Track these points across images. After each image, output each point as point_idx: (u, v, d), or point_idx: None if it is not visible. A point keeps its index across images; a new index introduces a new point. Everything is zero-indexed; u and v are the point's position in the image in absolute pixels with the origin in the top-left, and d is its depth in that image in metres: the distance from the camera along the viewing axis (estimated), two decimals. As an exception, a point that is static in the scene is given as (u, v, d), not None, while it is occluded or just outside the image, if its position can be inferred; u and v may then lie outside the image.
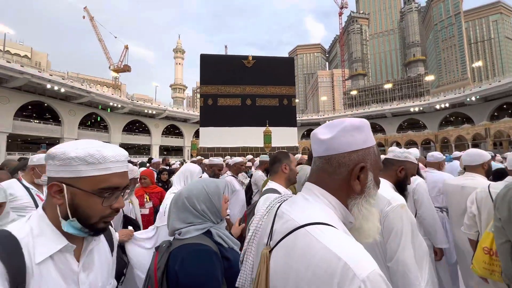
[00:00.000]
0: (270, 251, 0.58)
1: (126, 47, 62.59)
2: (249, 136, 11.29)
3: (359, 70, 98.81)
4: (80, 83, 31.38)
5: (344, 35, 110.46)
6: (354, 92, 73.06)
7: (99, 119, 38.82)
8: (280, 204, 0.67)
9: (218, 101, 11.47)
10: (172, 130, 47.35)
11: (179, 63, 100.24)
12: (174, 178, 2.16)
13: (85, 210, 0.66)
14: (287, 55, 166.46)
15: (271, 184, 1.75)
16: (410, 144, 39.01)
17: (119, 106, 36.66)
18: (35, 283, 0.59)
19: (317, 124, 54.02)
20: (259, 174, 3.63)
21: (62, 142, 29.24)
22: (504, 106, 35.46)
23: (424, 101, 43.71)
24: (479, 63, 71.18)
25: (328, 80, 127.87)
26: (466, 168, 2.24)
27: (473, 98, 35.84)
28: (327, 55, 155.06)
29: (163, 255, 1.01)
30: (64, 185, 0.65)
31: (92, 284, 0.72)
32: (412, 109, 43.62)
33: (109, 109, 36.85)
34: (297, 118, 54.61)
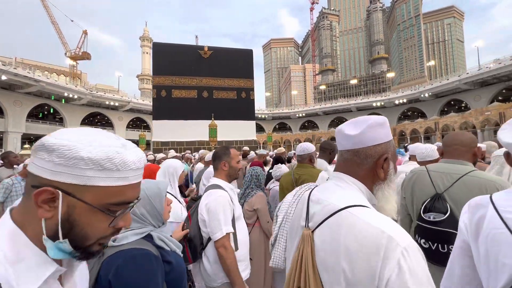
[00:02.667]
0: (312, 232, 0.67)
1: (85, 33, 57.40)
2: (206, 130, 11.08)
3: (328, 65, 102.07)
4: (26, 70, 28.11)
5: (316, 30, 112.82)
6: (323, 87, 75.49)
7: (52, 111, 35.41)
8: (311, 192, 0.76)
9: (172, 92, 11.02)
10: (139, 124, 44.92)
11: (147, 52, 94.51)
12: (157, 175, 2.06)
13: (83, 229, 0.48)
14: (261, 48, 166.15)
15: (214, 180, 1.77)
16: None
17: (76, 97, 33.70)
18: None
19: (288, 117, 55.10)
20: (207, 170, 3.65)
21: (7, 136, 25.55)
22: (452, 102, 39.21)
23: (385, 96, 46.66)
24: (432, 62, 77.83)
25: (301, 75, 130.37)
26: (411, 158, 2.95)
27: (426, 95, 39.14)
28: (300, 50, 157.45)
29: (93, 267, 0.88)
30: (61, 193, 0.46)
31: None
32: (374, 104, 46.35)
33: (63, 100, 33.71)
34: (269, 112, 55.29)
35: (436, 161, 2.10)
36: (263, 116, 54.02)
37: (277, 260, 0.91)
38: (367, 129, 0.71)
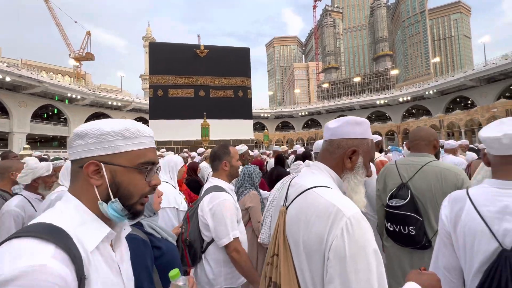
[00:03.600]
0: (286, 209, 0.81)
1: (89, 34, 58.00)
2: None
3: (332, 63, 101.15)
4: (30, 72, 28.50)
5: (319, 28, 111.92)
6: (326, 85, 74.87)
7: (56, 112, 35.84)
8: (292, 179, 0.90)
9: (169, 92, 10.97)
10: (142, 124, 45.21)
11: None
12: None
13: (127, 187, 0.62)
14: (265, 47, 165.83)
15: (214, 181, 1.70)
16: (376, 134, 40.98)
17: (79, 97, 34.06)
18: (92, 273, 0.54)
19: (291, 116, 54.84)
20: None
21: (12, 136, 26.32)
22: (457, 100, 38.45)
23: (388, 94, 45.99)
24: (437, 59, 76.30)
25: (304, 73, 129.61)
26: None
27: (431, 92, 38.40)
28: (303, 48, 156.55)
29: None
30: (102, 164, 0.60)
31: (128, 276, 0.69)
32: (378, 102, 45.74)
33: (67, 100, 34.10)
34: (271, 110, 55.10)
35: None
36: (265, 115, 53.88)
37: (264, 236, 1.13)
38: (344, 124, 0.84)
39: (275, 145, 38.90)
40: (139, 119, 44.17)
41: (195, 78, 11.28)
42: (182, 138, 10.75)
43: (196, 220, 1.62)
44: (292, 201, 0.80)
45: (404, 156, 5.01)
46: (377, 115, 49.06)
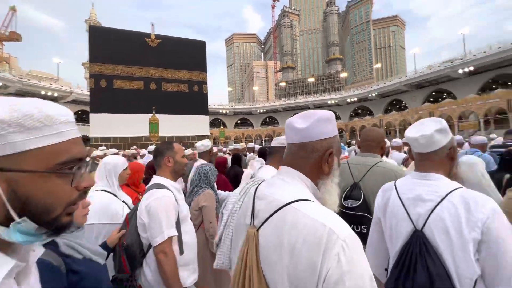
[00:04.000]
0: (257, 230, 0.65)
1: (13, 9, 49.01)
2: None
3: (289, 63, 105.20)
4: None
5: (277, 28, 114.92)
6: (283, 84, 77.61)
7: (-32, 101, 29.58)
8: (257, 187, 0.74)
9: (114, 83, 9.99)
10: (85, 118, 40.24)
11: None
12: (96, 175, 1.89)
13: (42, 199, 0.43)
14: (224, 42, 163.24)
15: (156, 179, 1.59)
16: (327, 132, 44.30)
17: (0, 84, 28.68)
18: None
19: (250, 113, 55.42)
20: None
21: None
22: (394, 102, 43.87)
23: (338, 95, 50.01)
24: (378, 65, 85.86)
25: (263, 71, 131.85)
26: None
27: (373, 94, 43.06)
28: (262, 46, 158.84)
29: None
30: None
31: None
32: (329, 102, 49.35)
33: (-17, 87, 28.42)
34: (230, 107, 54.77)
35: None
36: (224, 112, 53.34)
37: (223, 260, 0.91)
38: (315, 123, 0.71)
39: (234, 142, 38.88)
40: (81, 113, 39.30)
41: (145, 69, 10.52)
42: (131, 134, 9.96)
43: (135, 221, 1.51)
44: (266, 220, 0.65)
45: (347, 153, 5.63)
46: (328, 114, 52.94)
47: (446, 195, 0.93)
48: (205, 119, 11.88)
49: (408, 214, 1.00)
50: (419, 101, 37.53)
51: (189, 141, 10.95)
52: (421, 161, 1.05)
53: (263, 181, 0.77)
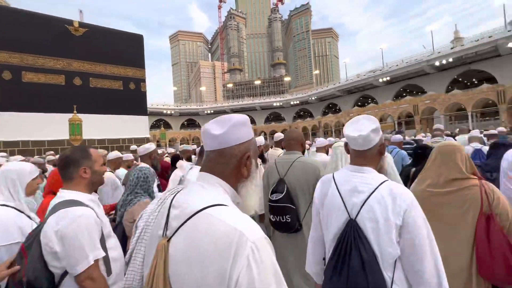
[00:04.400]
0: (169, 241, 0.60)
1: None
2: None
3: (236, 65, 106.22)
4: None
5: (224, 29, 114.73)
6: (230, 85, 77.95)
7: None
8: (174, 196, 0.70)
9: (23, 75, 8.35)
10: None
11: None
12: None
13: None
14: (169, 39, 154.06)
15: (65, 194, 1.29)
16: (274, 133, 46.33)
17: None
18: None
19: (197, 114, 53.76)
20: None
21: None
22: (330, 105, 48.80)
23: (283, 98, 52.91)
24: (317, 71, 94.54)
25: (210, 71, 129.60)
26: (317, 150, 3.70)
27: (313, 98, 47.05)
28: (209, 46, 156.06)
29: None
30: None
31: None
32: (275, 104, 51.77)
33: None
34: (176, 107, 52.07)
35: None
36: (169, 112, 50.43)
37: (131, 280, 0.76)
38: (231, 129, 0.71)
39: (181, 143, 37.01)
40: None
41: (67, 61, 9.13)
42: (47, 137, 8.50)
43: (36, 251, 1.20)
44: (178, 229, 0.60)
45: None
46: (274, 116, 55.41)
47: (377, 187, 1.04)
48: (144, 120, 11.00)
49: (344, 204, 1.08)
50: (350, 105, 42.68)
51: (124, 144, 10.00)
52: (356, 156, 1.16)
53: (182, 189, 0.74)
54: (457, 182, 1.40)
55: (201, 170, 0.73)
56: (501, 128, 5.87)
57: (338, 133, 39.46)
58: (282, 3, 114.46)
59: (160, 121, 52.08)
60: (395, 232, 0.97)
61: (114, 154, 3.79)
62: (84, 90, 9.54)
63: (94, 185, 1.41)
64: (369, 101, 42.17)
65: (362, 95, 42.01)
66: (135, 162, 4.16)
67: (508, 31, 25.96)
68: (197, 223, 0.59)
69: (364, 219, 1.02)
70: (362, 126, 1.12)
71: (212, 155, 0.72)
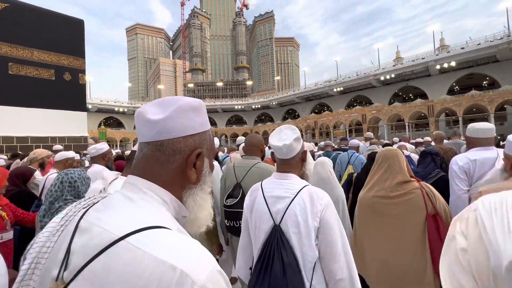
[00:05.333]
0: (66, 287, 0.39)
1: None
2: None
3: (198, 65, 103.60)
4: None
5: (187, 28, 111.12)
6: (191, 85, 75.57)
7: None
8: (86, 211, 0.47)
9: None
10: None
11: None
12: None
13: None
14: (125, 31, 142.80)
15: None
16: (235, 136, 46.13)
17: None
18: None
19: (154, 113, 50.51)
20: None
21: None
22: (290, 111, 50.68)
23: (245, 101, 53.17)
24: (278, 77, 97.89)
25: (171, 69, 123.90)
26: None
27: (274, 103, 48.30)
28: (171, 44, 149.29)
29: None
30: None
31: None
32: (236, 107, 51.67)
33: None
34: (129, 105, 48.16)
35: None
36: (121, 110, 46.40)
37: None
38: (176, 113, 0.51)
39: (134, 144, 34.13)
40: None
41: (-22, 41, 7.56)
42: None
43: None
44: (81, 270, 0.39)
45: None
46: (236, 119, 55.28)
47: (298, 192, 1.08)
48: (82, 116, 9.71)
49: (269, 211, 1.12)
50: (308, 111, 44.92)
51: (54, 143, 8.67)
52: (281, 164, 1.20)
53: (100, 200, 0.50)
54: (402, 186, 1.46)
55: (130, 172, 0.53)
56: (428, 138, 6.61)
57: (296, 138, 41.11)
58: (247, 8, 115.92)
59: (110, 119, 47.59)
60: (314, 235, 1.02)
61: (62, 154, 3.10)
62: (3, 77, 8.00)
63: None
64: (325, 109, 44.97)
65: (319, 103, 44.62)
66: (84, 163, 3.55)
67: (436, 55, 30.46)
68: (111, 261, 0.38)
69: (287, 224, 1.06)
70: (285, 136, 1.16)
71: (146, 149, 0.52)
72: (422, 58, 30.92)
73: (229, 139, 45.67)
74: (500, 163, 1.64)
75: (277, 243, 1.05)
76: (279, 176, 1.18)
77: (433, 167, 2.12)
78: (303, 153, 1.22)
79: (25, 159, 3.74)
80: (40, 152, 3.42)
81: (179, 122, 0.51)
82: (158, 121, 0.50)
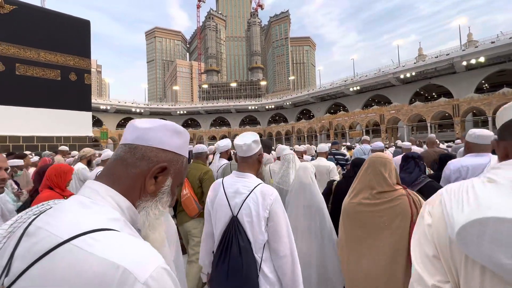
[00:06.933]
0: None
1: None
2: (2, 119, 7.68)
3: (213, 66, 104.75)
4: None
5: (203, 30, 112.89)
6: (205, 86, 76.42)
7: None
8: (37, 217, 0.46)
9: None
10: None
11: None
12: None
13: None
14: (144, 35, 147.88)
15: None
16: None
17: None
18: None
19: (169, 114, 51.52)
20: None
21: None
22: (304, 111, 49.60)
23: (258, 101, 52.74)
24: (293, 77, 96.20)
25: (188, 71, 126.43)
26: (319, 154, 3.70)
27: (288, 103, 47.45)
28: (188, 46, 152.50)
29: None
30: None
31: None
32: (250, 107, 51.36)
33: None
34: (146, 106, 49.44)
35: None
36: (138, 111, 47.72)
37: None
38: (159, 128, 0.57)
39: (106, 145, 34.85)
40: None
41: (-14, 43, 7.74)
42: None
43: None
44: (21, 275, 0.38)
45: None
46: (250, 119, 55.01)
47: (253, 189, 1.29)
48: (87, 116, 9.75)
49: (229, 204, 1.31)
50: (322, 111, 43.67)
51: (60, 143, 8.72)
52: (241, 162, 1.40)
53: (52, 207, 0.49)
54: (387, 194, 1.44)
55: (96, 177, 0.56)
56: (458, 141, 5.83)
57: (311, 138, 40.06)
58: (262, 8, 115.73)
59: (128, 120, 49.13)
60: (264, 223, 1.26)
61: (107, 154, 3.67)
62: (7, 77, 8.14)
63: None
64: (341, 109, 43.51)
65: (334, 102, 43.23)
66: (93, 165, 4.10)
67: (463, 50, 28.30)
68: (54, 263, 0.38)
69: (242, 215, 1.27)
70: (246, 138, 1.38)
71: (121, 150, 0.55)
72: (447, 54, 28.85)
73: (242, 140, 45.38)
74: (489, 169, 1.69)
75: (234, 230, 1.26)
76: (238, 174, 1.38)
77: (418, 173, 1.98)
78: (259, 155, 1.42)
79: (76, 156, 4.45)
80: (88, 151, 3.99)
81: (158, 135, 0.56)
82: (141, 128, 0.56)
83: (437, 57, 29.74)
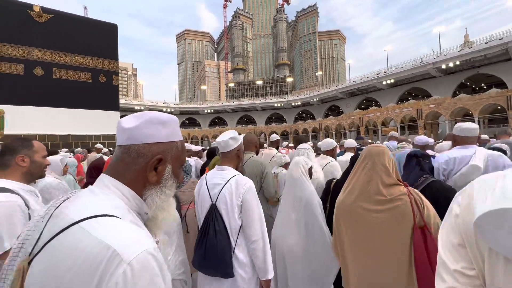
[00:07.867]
0: (30, 262, 0.49)
1: None
2: (42, 119, 8.39)
3: (240, 65, 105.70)
4: None
5: (229, 29, 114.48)
6: (232, 85, 77.38)
7: None
8: (63, 203, 0.57)
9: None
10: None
11: None
12: None
13: None
14: (175, 38, 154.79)
15: None
16: (275, 134, 45.58)
17: None
18: None
19: (198, 113, 53.30)
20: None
21: None
22: (332, 108, 47.62)
23: (284, 98, 51.92)
24: (320, 73, 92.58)
25: (215, 71, 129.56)
26: (347, 150, 3.61)
27: (315, 100, 45.92)
28: (216, 46, 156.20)
29: None
30: None
31: None
32: (276, 105, 50.80)
33: None
34: (176, 105, 51.68)
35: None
36: (168, 110, 50.04)
37: None
38: (143, 124, 0.62)
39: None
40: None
41: (28, 49, 8.44)
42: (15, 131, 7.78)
43: None
44: (43, 247, 0.48)
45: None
46: (276, 117, 54.46)
47: (229, 180, 1.47)
48: (115, 116, 10.22)
49: (209, 194, 1.51)
50: (352, 107, 41.44)
51: (91, 141, 9.28)
52: (222, 157, 1.60)
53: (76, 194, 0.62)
54: (387, 189, 1.32)
55: (105, 172, 0.63)
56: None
57: (339, 136, 38.28)
58: (289, 4, 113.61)
59: (159, 119, 51.78)
60: (238, 210, 1.44)
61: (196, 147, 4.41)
62: (47, 82, 8.82)
63: (32, 176, 1.38)
64: (372, 104, 40.88)
65: (365, 97, 40.76)
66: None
67: (520, 33, 24.54)
68: (63, 240, 0.47)
69: (220, 203, 1.46)
70: (224, 135, 1.57)
71: (118, 151, 0.62)
72: (500, 39, 25.22)
73: (267, 137, 45.24)
74: (474, 160, 1.94)
75: (212, 217, 1.45)
76: (219, 168, 1.58)
77: (419, 172, 1.83)
78: (238, 151, 1.59)
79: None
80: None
81: (145, 131, 0.61)
82: (128, 129, 0.60)
83: (487, 42, 26.21)
